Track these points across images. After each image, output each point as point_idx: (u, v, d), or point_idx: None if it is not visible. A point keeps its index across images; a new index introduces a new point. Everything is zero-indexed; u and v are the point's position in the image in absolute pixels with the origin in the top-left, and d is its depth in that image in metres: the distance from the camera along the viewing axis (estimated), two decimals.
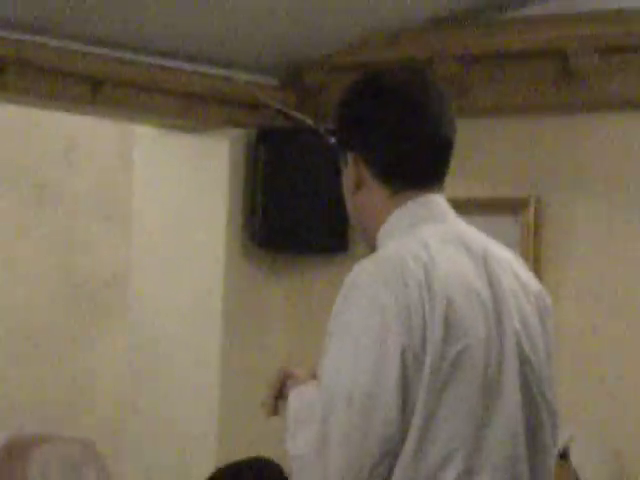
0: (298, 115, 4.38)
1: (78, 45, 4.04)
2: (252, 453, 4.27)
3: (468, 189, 4.02)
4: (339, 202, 4.59)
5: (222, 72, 4.32)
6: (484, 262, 2.22)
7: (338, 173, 3.96)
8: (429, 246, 2.17)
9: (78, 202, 4.76)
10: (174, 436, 4.42)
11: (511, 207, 4.12)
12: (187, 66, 4.29)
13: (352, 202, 2.31)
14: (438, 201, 2.26)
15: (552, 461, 2.27)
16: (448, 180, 2.24)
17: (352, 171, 2.26)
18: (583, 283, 4.05)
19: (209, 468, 4.31)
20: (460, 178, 3.37)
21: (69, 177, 4.74)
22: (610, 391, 3.92)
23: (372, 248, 2.28)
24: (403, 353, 2.07)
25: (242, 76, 4.36)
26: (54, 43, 3.98)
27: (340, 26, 4.23)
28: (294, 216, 4.38)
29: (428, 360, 2.08)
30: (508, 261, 2.28)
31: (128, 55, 4.14)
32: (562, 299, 3.92)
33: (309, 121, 4.35)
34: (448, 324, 2.11)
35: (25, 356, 4.72)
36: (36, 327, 4.72)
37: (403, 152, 2.24)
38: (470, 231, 2.29)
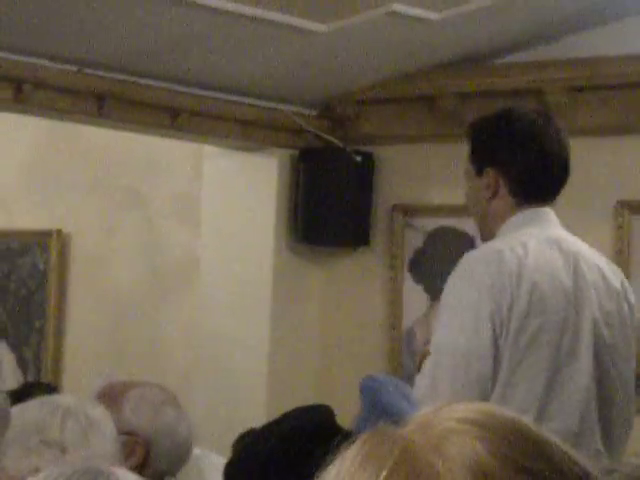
0: (330, 138, 4.43)
1: (161, 83, 4.04)
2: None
3: None
4: (362, 206, 4.82)
5: (273, 104, 4.33)
6: (573, 259, 2.29)
7: (361, 184, 4.18)
8: (526, 243, 2.26)
9: (160, 206, 4.70)
10: (231, 391, 4.40)
11: None
12: (246, 99, 4.26)
13: (481, 206, 2.37)
14: (546, 211, 2.36)
15: (622, 420, 2.29)
16: None
17: (491, 182, 2.34)
18: None
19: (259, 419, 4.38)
20: None
21: (153, 186, 4.69)
22: None
23: (488, 239, 2.36)
24: (493, 320, 2.16)
25: (288, 107, 4.37)
26: (142, 81, 3.98)
27: (365, 67, 4.24)
28: (326, 217, 4.37)
29: (512, 329, 2.18)
30: (596, 262, 2.35)
31: (200, 91, 4.13)
32: None
33: (339, 143, 4.42)
34: (531, 302, 2.20)
35: (116, 324, 4.72)
36: (126, 303, 4.72)
37: (534, 172, 2.34)
38: (566, 235, 2.38)
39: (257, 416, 4.34)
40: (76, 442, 1.82)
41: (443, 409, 0.65)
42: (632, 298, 2.38)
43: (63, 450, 1.80)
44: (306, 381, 4.52)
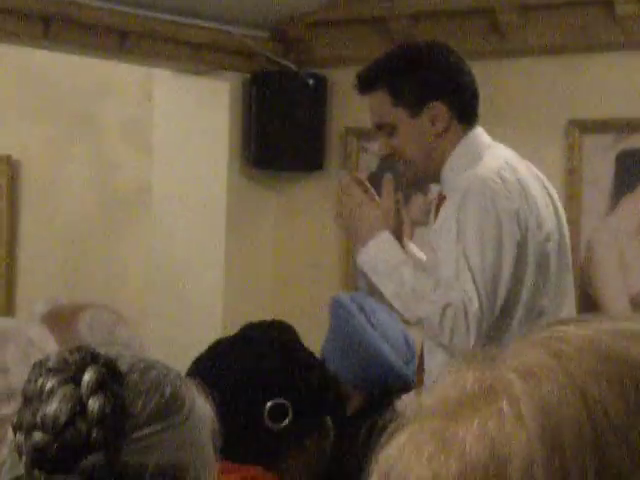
0: (282, 61, 4.39)
1: (108, 4, 3.98)
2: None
3: None
4: (315, 130, 4.83)
5: (224, 27, 4.28)
6: (538, 177, 2.38)
7: (314, 108, 4.20)
8: (513, 164, 2.32)
9: (110, 132, 4.64)
10: (186, 313, 4.43)
11: None
12: (196, 21, 4.22)
13: (425, 145, 2.34)
14: (480, 131, 2.42)
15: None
16: None
17: (440, 115, 2.33)
18: None
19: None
20: None
21: (103, 111, 4.66)
22: None
23: (433, 178, 2.37)
24: (515, 244, 2.25)
25: (240, 30, 4.32)
26: (90, 3, 3.92)
27: None
28: (280, 141, 4.35)
29: (530, 245, 2.27)
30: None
31: (149, 12, 4.09)
32: None
33: (291, 67, 4.38)
34: (538, 217, 2.29)
35: (69, 250, 4.71)
36: (78, 229, 4.71)
37: (473, 95, 2.40)
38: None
39: (211, 341, 4.38)
40: (17, 362, 1.85)
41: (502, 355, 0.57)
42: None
43: (5, 371, 1.82)
44: (261, 305, 4.56)
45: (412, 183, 2.59)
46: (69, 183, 4.75)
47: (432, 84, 2.38)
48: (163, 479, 1.10)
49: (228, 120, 4.41)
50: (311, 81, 4.45)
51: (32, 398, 1.10)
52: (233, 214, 4.45)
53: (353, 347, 2.41)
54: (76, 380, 1.09)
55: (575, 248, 3.93)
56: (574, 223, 3.94)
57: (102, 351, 1.15)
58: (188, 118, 4.48)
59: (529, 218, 2.30)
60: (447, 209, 2.34)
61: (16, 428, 1.10)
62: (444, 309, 2.26)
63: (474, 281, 2.25)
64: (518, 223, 2.28)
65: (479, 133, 2.41)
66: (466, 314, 2.24)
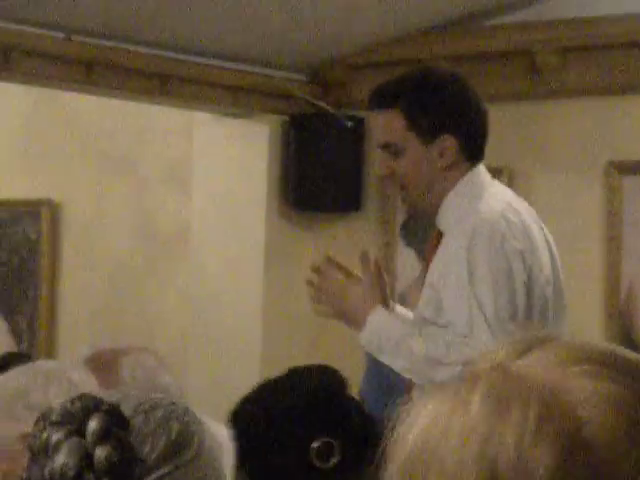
0: (321, 104, 4.42)
1: (149, 49, 4.03)
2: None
3: None
4: (353, 172, 4.83)
5: (263, 70, 4.33)
6: (535, 217, 2.34)
7: (352, 150, 4.13)
8: (515, 206, 2.28)
9: (150, 174, 4.68)
10: (225, 355, 4.42)
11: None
12: (235, 65, 4.26)
13: (429, 176, 2.29)
14: (482, 169, 2.36)
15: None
16: None
17: (449, 149, 2.28)
18: None
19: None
20: None
21: (144, 154, 4.70)
22: None
23: (428, 211, 2.32)
24: (523, 285, 2.22)
25: (278, 73, 4.37)
26: (131, 48, 3.98)
27: (355, 32, 4.24)
28: (318, 183, 4.39)
29: (534, 287, 2.24)
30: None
31: (190, 57, 4.14)
32: None
33: (330, 109, 4.41)
34: (539, 260, 2.26)
35: (109, 292, 4.74)
36: (119, 271, 4.74)
37: (484, 133, 2.34)
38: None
39: (251, 382, 4.37)
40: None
41: (546, 346, 0.63)
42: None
43: None
44: (300, 347, 4.55)
45: (409, 212, 2.53)
46: (110, 225, 4.80)
47: (450, 117, 2.33)
48: None
49: (267, 162, 4.46)
50: (349, 123, 4.46)
51: (39, 453, 1.09)
52: (271, 255, 4.47)
53: (382, 387, 2.41)
54: (80, 431, 1.08)
55: (615, 291, 3.91)
56: (614, 266, 3.91)
57: (105, 396, 1.13)
58: (228, 160, 4.53)
59: (533, 260, 2.28)
60: (450, 249, 2.30)
61: None
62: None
63: (490, 329, 2.21)
64: (524, 264, 2.26)
65: (481, 171, 2.36)
66: None
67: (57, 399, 1.79)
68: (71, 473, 1.06)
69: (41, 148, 4.91)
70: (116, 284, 4.77)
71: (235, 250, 4.49)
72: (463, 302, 2.24)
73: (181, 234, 4.62)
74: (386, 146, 2.37)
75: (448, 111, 2.34)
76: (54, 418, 1.09)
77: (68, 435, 1.07)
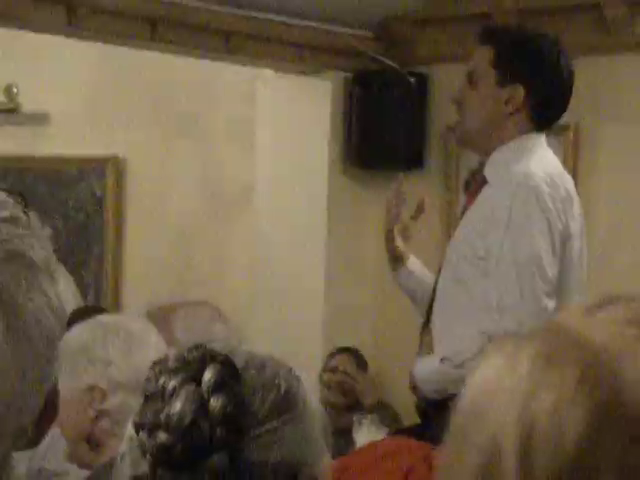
0: (386, 60, 4.38)
1: (213, 5, 3.99)
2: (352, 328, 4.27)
3: None
4: (417, 129, 4.78)
5: (327, 26, 4.31)
6: (573, 188, 2.47)
7: (415, 106, 4.15)
8: (557, 167, 2.42)
9: (214, 131, 4.69)
10: (287, 312, 4.42)
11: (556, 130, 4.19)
12: (299, 22, 4.24)
13: (491, 115, 2.41)
14: (543, 138, 2.47)
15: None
16: None
17: (517, 99, 2.39)
18: (612, 191, 4.07)
19: (317, 344, 4.42)
20: None
21: (207, 111, 4.69)
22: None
23: (474, 146, 2.49)
24: (554, 239, 2.36)
25: (342, 29, 4.35)
26: (195, 4, 3.93)
27: None
28: (381, 140, 4.37)
29: (573, 245, 2.40)
30: None
31: (252, 13, 4.11)
32: (593, 203, 4.03)
33: (394, 65, 4.37)
34: (574, 229, 2.41)
35: (174, 248, 4.77)
36: (183, 227, 4.76)
37: (557, 104, 2.44)
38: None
39: (313, 342, 4.38)
40: (119, 355, 1.90)
41: (611, 307, 0.62)
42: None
43: (108, 364, 1.88)
44: (363, 305, 4.54)
45: (457, 140, 2.66)
46: (174, 182, 4.83)
47: (530, 71, 2.42)
48: (283, 474, 1.11)
49: (330, 119, 4.45)
50: (413, 80, 4.42)
51: (154, 397, 1.10)
52: (334, 212, 4.48)
53: None
54: (197, 379, 1.09)
55: None
56: None
57: (218, 347, 1.14)
58: (291, 117, 4.52)
59: (570, 225, 2.40)
60: (490, 199, 2.41)
61: (138, 427, 1.10)
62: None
63: (545, 290, 2.34)
64: (562, 226, 2.39)
65: (542, 140, 2.46)
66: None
67: (115, 351, 1.88)
68: (187, 420, 1.07)
69: (106, 105, 4.92)
70: (180, 241, 4.79)
71: (298, 207, 4.50)
72: (510, 277, 2.37)
73: (245, 190, 4.64)
74: (468, 74, 2.50)
75: (530, 66, 2.43)
76: (171, 365, 1.11)
77: (185, 382, 1.08)
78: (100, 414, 1.87)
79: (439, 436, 0.64)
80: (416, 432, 2.29)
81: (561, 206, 2.37)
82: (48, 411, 0.79)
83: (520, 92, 2.41)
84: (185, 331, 2.23)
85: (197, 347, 1.12)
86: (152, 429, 1.08)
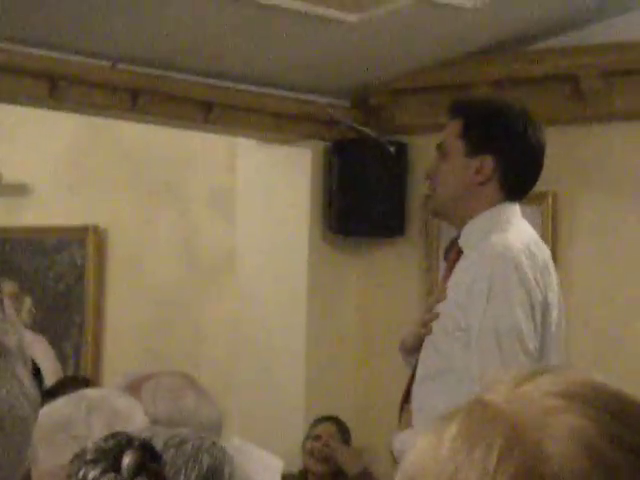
0: (364, 129, 4.41)
1: (193, 77, 4.03)
2: (334, 399, 4.27)
3: None
4: (396, 197, 4.81)
5: (305, 96, 4.35)
6: (549, 259, 2.44)
7: (395, 174, 4.18)
8: (533, 237, 2.41)
9: (195, 200, 4.74)
10: (269, 380, 4.41)
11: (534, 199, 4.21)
12: (278, 92, 4.28)
13: (460, 186, 2.42)
14: (517, 208, 2.46)
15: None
16: None
17: (486, 170, 2.39)
18: (589, 256, 4.09)
19: (299, 411, 4.38)
20: None
21: (188, 180, 4.73)
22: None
23: (447, 217, 2.50)
24: (534, 310, 2.35)
25: (321, 99, 4.40)
26: (176, 76, 3.98)
27: (398, 57, 4.24)
28: (361, 208, 4.40)
29: (551, 314, 2.38)
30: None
31: (232, 84, 4.14)
32: (574, 269, 4.01)
33: (373, 134, 4.40)
34: (553, 299, 2.39)
35: (154, 316, 4.74)
36: (164, 295, 4.75)
37: (528, 173, 2.42)
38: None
39: (295, 405, 4.36)
40: (102, 433, 1.88)
41: (538, 379, 0.63)
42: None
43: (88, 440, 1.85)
44: (345, 371, 4.52)
45: (431, 213, 2.70)
46: (155, 251, 4.85)
47: (498, 141, 2.43)
48: None
49: (310, 187, 4.49)
50: (392, 148, 4.44)
51: None
52: (315, 280, 4.49)
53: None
54: (116, 467, 1.09)
55: None
56: None
57: (136, 432, 1.15)
58: (271, 186, 4.57)
59: (549, 295, 2.39)
60: (470, 270, 2.41)
61: None
62: None
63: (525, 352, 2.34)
64: (541, 296, 2.38)
65: (516, 209, 2.47)
66: None
67: (98, 428, 1.83)
68: None
69: (87, 175, 4.94)
70: (161, 311, 4.78)
71: (279, 274, 4.51)
72: (491, 342, 2.36)
73: (225, 258, 4.66)
74: (439, 146, 2.52)
75: (498, 135, 2.43)
76: (89, 457, 1.11)
77: (104, 472, 1.09)
78: None
79: None
80: None
81: (540, 276, 2.38)
82: None
83: (489, 162, 2.42)
84: (153, 401, 2.21)
85: (114, 435, 1.13)
86: None
